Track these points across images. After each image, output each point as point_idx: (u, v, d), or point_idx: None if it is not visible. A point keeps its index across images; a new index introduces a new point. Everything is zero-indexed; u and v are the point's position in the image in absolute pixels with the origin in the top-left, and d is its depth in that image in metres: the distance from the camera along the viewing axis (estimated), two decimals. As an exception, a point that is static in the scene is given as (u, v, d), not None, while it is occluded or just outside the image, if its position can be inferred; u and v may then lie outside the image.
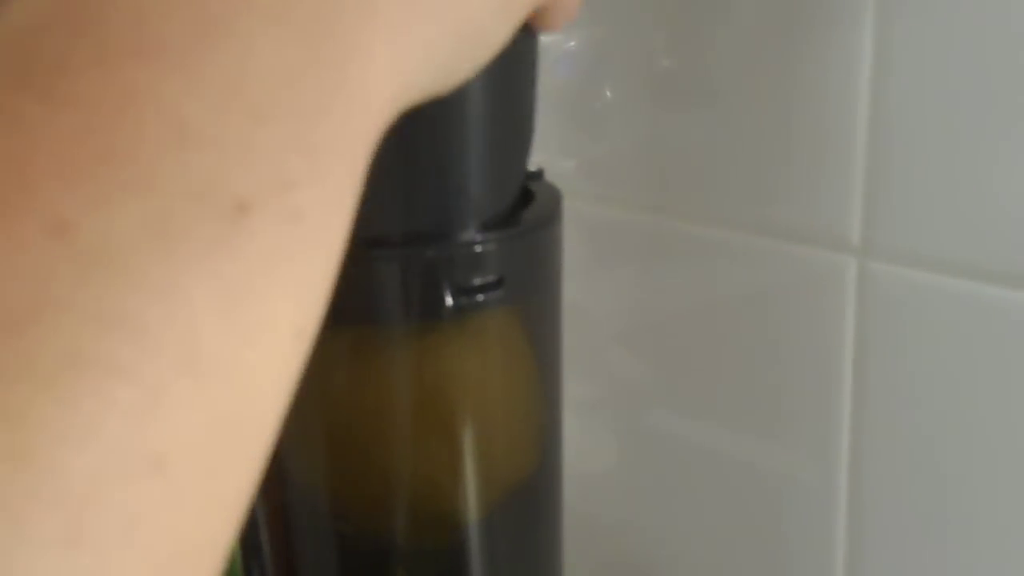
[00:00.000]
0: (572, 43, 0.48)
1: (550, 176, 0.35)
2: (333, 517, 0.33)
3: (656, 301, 0.49)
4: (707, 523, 0.49)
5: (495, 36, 0.24)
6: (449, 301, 0.30)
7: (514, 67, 0.30)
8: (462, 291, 0.30)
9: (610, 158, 0.49)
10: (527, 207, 0.33)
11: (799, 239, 0.43)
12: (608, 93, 0.49)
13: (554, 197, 0.34)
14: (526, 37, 0.29)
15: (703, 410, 0.48)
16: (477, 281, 0.31)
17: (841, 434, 0.43)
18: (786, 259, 0.43)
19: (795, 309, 0.44)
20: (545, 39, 0.31)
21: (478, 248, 0.30)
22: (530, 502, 0.35)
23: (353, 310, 0.30)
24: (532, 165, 0.33)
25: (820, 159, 0.41)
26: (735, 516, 0.48)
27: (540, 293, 0.33)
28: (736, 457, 0.47)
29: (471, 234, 0.30)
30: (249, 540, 0.35)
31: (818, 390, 0.43)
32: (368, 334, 0.31)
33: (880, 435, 0.42)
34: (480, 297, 0.31)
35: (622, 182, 0.49)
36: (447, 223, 0.30)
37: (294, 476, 0.33)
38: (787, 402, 0.45)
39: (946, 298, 0.39)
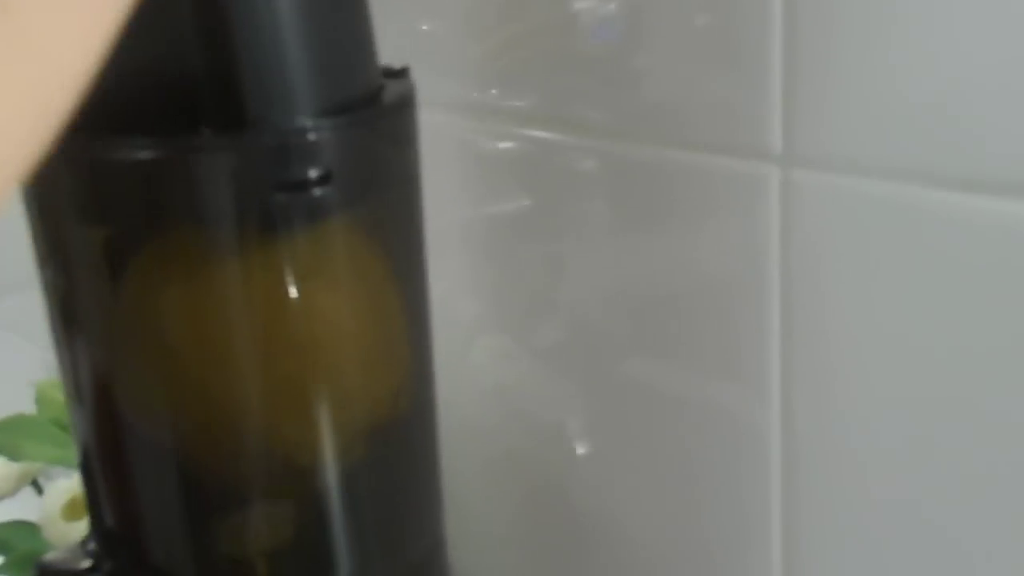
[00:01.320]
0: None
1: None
2: (177, 459, 0.30)
3: (576, 226, 0.45)
4: (640, 454, 0.46)
5: None
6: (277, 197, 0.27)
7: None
8: (287, 186, 0.27)
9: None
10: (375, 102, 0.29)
11: (719, 151, 0.40)
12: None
13: (407, 93, 0.30)
14: None
15: (632, 339, 0.45)
16: (308, 174, 0.27)
17: (771, 352, 0.40)
18: (707, 173, 0.40)
19: (718, 225, 0.40)
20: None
21: (309, 136, 0.27)
22: (398, 447, 0.32)
23: (172, 208, 0.27)
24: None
25: (736, 67, 0.38)
26: (667, 446, 0.45)
27: (384, 196, 0.30)
28: (667, 385, 0.44)
29: (298, 120, 0.27)
30: (91, 484, 0.32)
31: (746, 310, 0.40)
32: (193, 242, 0.27)
33: (808, 350, 0.39)
34: (314, 192, 0.27)
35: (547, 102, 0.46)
36: (268, 106, 0.27)
37: (132, 410, 0.30)
38: (715, 323, 0.41)
39: (871, 202, 0.36)
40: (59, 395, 0.57)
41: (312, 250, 0.28)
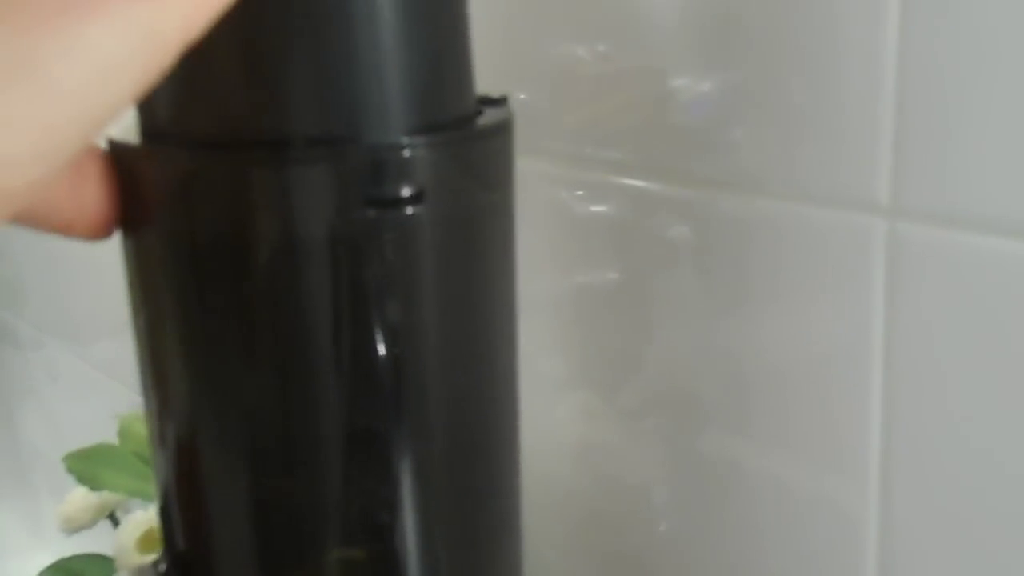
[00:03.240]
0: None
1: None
2: (254, 497, 0.29)
3: (668, 288, 0.44)
4: (723, 533, 0.44)
5: None
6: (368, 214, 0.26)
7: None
8: (380, 202, 0.26)
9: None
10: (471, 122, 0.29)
11: (823, 203, 0.38)
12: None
13: (505, 118, 0.30)
14: None
15: (722, 410, 0.43)
16: (401, 192, 0.27)
17: (872, 429, 0.38)
18: (809, 223, 0.39)
19: (819, 278, 0.39)
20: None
21: (403, 153, 0.27)
22: (480, 500, 0.31)
23: (263, 220, 0.27)
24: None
25: (845, 115, 0.37)
26: (754, 526, 0.43)
27: (477, 220, 0.29)
28: (757, 462, 0.42)
29: (391, 136, 0.27)
30: (166, 510, 0.31)
31: (846, 378, 0.38)
32: (282, 255, 0.27)
33: (911, 426, 0.37)
34: (406, 210, 0.27)
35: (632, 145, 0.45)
36: (361, 121, 0.26)
37: (213, 444, 0.29)
38: (812, 393, 0.40)
39: (983, 259, 0.34)
40: (142, 428, 0.57)
41: (402, 270, 0.28)
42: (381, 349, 0.27)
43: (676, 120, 0.42)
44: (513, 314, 0.31)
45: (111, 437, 0.59)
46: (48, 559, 1.21)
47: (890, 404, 0.37)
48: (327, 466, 0.28)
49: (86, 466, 0.54)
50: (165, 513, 0.32)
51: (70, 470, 0.55)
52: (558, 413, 0.51)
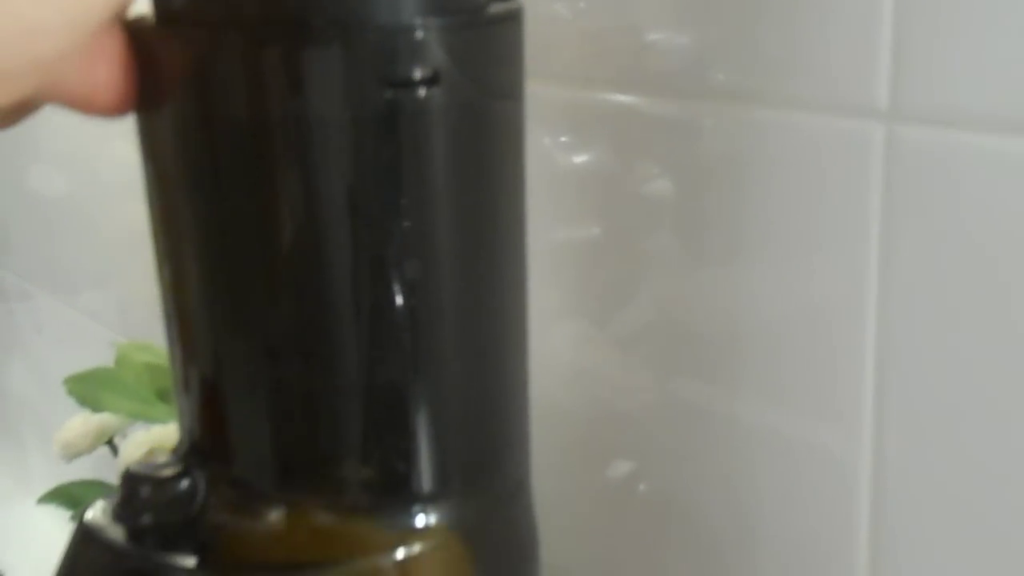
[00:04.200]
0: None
1: None
2: (268, 371, 0.30)
3: (669, 183, 0.45)
4: (719, 446, 0.45)
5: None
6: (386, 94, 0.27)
7: None
8: (395, 82, 0.27)
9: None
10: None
11: (820, 109, 0.39)
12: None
13: (514, 8, 0.30)
14: None
15: (720, 298, 0.44)
16: (415, 73, 0.27)
17: (866, 347, 0.38)
18: (806, 132, 0.39)
19: (817, 189, 0.39)
20: None
21: (416, 34, 0.27)
22: (491, 370, 0.32)
23: (279, 100, 0.27)
24: None
25: (842, 19, 0.37)
26: (747, 443, 0.44)
27: (490, 106, 0.29)
28: (753, 374, 0.43)
29: (404, 19, 0.27)
30: (182, 399, 0.32)
31: (843, 285, 0.39)
32: (297, 135, 0.27)
33: (908, 308, 0.37)
34: (420, 92, 0.27)
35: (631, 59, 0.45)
36: (373, 3, 0.27)
37: (229, 322, 0.30)
38: (808, 312, 0.40)
39: (983, 158, 0.35)
40: (139, 356, 0.57)
41: (417, 152, 0.28)
42: (394, 228, 0.28)
43: (668, 33, 0.43)
44: (522, 206, 0.32)
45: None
46: (36, 510, 1.22)
47: (886, 327, 0.38)
48: (344, 343, 0.29)
49: (86, 389, 0.54)
50: (181, 398, 0.32)
51: (70, 393, 0.55)
52: (553, 341, 0.51)
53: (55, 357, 1.14)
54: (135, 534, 0.31)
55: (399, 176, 0.28)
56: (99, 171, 0.94)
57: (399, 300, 0.29)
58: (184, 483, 0.31)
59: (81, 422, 0.57)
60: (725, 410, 0.44)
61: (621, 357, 0.49)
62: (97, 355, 0.64)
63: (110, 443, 0.60)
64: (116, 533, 0.31)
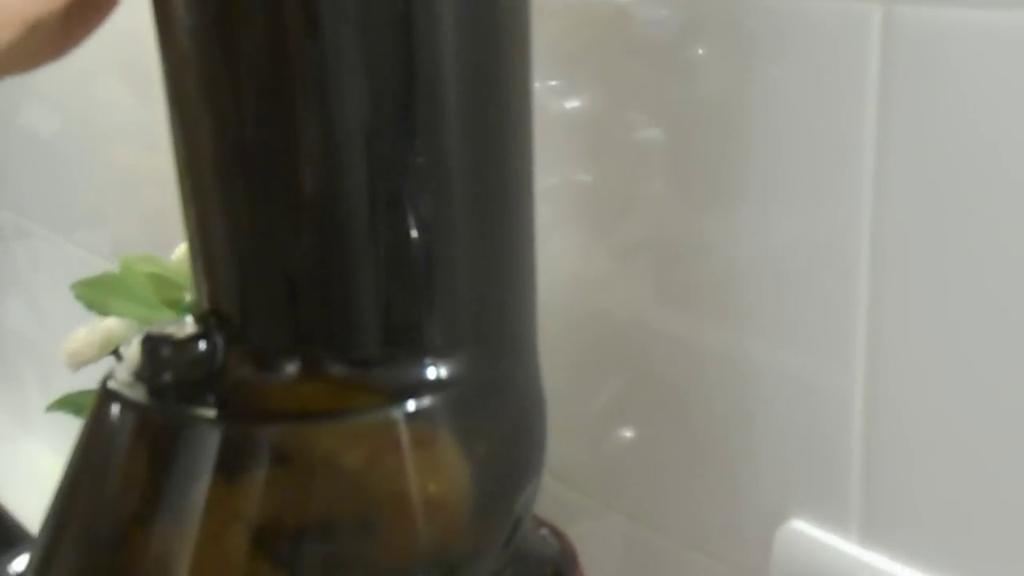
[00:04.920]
0: None
1: None
2: (281, 233, 0.31)
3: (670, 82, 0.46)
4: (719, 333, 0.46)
5: None
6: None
7: None
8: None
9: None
10: None
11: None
12: None
13: None
14: None
15: (710, 198, 0.45)
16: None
17: (862, 197, 0.39)
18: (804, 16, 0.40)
19: (814, 74, 0.40)
20: None
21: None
22: (499, 226, 0.33)
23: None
24: None
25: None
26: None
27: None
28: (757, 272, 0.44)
29: None
30: (197, 266, 0.33)
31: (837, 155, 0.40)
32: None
33: (904, 196, 0.38)
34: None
35: None
36: None
37: (241, 176, 0.31)
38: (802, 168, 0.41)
39: (977, 36, 0.35)
40: (144, 267, 0.58)
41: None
42: (409, 89, 0.29)
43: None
44: (528, 79, 0.33)
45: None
46: (36, 447, 1.23)
47: (881, 244, 0.39)
48: (360, 205, 0.30)
49: (94, 293, 0.55)
50: (196, 264, 0.33)
51: (78, 297, 0.56)
52: (552, 249, 0.52)
53: (52, 295, 1.15)
54: (157, 392, 0.32)
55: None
56: (92, 111, 0.94)
57: (415, 161, 0.30)
58: (203, 343, 0.32)
59: (87, 332, 0.59)
60: (723, 333, 0.45)
61: (622, 269, 0.50)
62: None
63: (115, 353, 0.61)
64: (138, 393, 0.32)
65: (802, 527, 0.44)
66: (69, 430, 0.89)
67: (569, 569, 0.38)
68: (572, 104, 0.50)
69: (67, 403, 0.59)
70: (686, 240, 0.46)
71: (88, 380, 0.66)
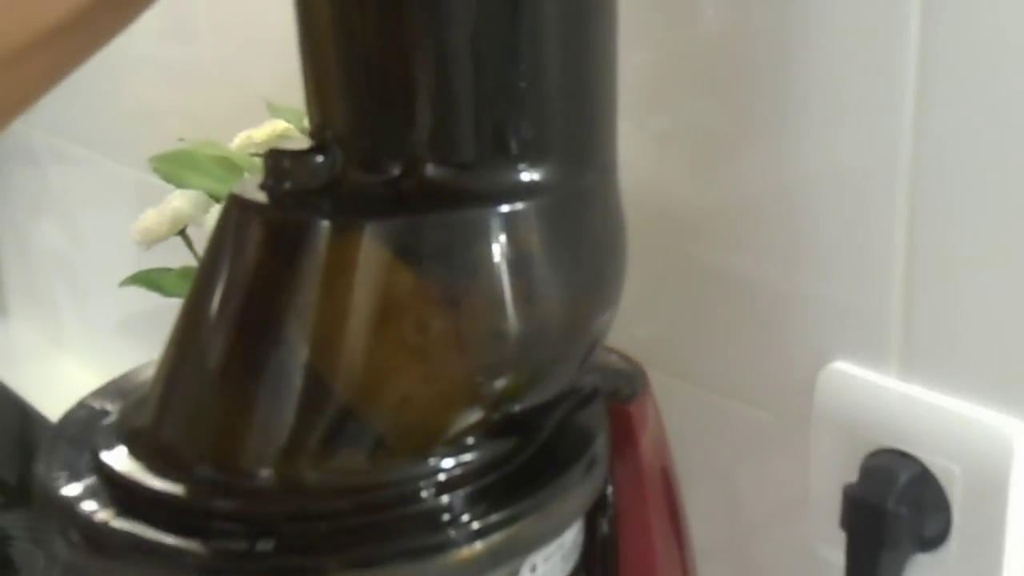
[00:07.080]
0: None
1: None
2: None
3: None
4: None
5: None
6: None
7: None
8: None
9: None
10: None
11: None
12: None
13: None
14: None
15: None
16: None
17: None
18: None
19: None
20: None
21: None
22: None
23: None
24: None
25: None
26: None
27: None
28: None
29: None
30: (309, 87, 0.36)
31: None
32: None
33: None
34: None
35: None
36: None
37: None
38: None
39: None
40: (209, 151, 0.61)
41: None
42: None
43: None
44: None
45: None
46: (70, 365, 1.25)
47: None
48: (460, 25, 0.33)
49: (170, 167, 0.58)
50: (312, 93, 0.36)
51: (156, 170, 0.59)
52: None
53: (86, 215, 1.18)
54: (278, 199, 0.35)
55: None
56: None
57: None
58: (321, 155, 0.35)
59: (157, 211, 0.62)
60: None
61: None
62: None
63: (182, 233, 0.64)
64: (261, 198, 0.36)
65: (844, 367, 0.47)
66: (102, 348, 0.92)
67: (641, 384, 0.41)
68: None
69: (140, 279, 0.62)
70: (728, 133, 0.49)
71: (158, 258, 0.69)
